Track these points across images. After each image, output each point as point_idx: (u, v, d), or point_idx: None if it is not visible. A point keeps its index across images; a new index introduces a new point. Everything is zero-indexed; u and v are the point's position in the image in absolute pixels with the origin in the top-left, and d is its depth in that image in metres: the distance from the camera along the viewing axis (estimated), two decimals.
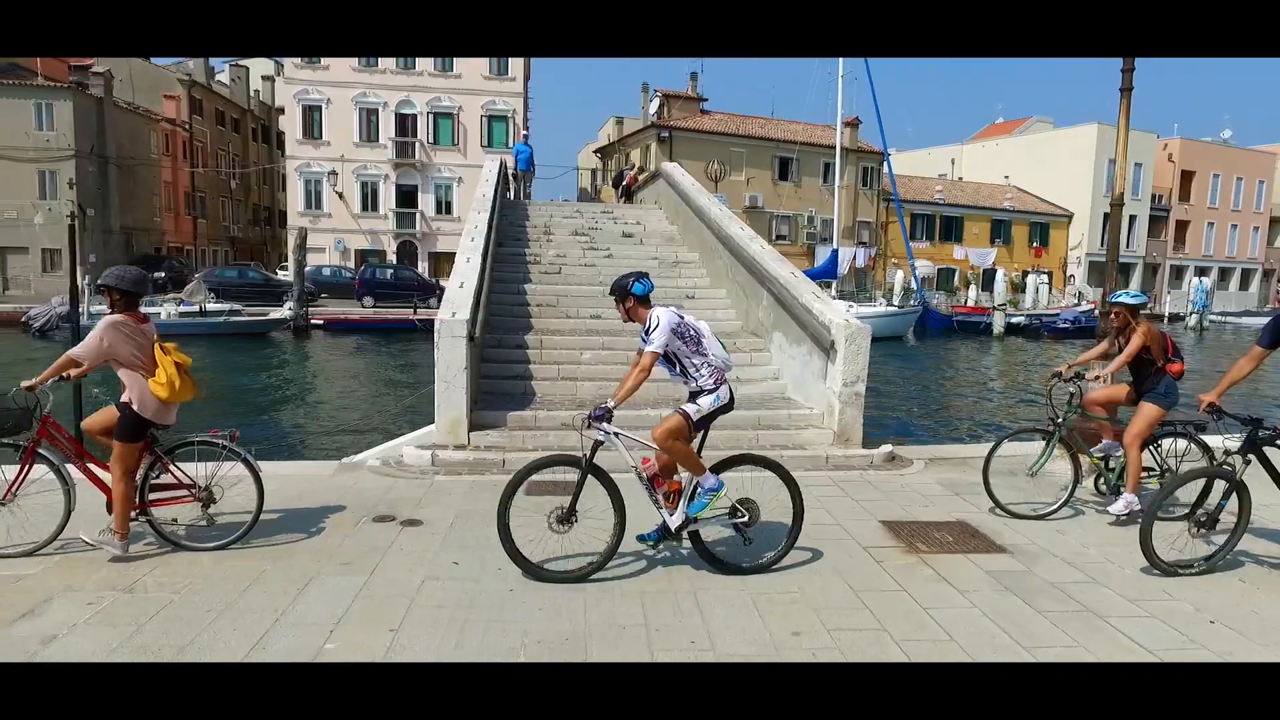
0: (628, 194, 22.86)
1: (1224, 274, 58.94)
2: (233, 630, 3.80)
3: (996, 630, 4.02)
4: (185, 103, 42.71)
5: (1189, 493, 5.10)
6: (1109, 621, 4.15)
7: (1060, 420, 5.99)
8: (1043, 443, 6.09)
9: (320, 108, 36.99)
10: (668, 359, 4.53)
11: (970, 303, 39.82)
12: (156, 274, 33.94)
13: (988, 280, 43.26)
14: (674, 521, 4.56)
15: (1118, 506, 5.69)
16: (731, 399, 4.61)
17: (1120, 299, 5.97)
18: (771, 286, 9.51)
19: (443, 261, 38.56)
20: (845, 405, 7.61)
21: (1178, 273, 57.14)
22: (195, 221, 44.58)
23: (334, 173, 36.97)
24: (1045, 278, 44.42)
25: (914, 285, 34.77)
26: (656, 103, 40.90)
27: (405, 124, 37.69)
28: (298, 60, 36.57)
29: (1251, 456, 4.69)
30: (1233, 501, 4.74)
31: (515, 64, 38.16)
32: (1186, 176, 56.07)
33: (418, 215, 38.25)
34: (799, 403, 8.44)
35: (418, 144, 37.70)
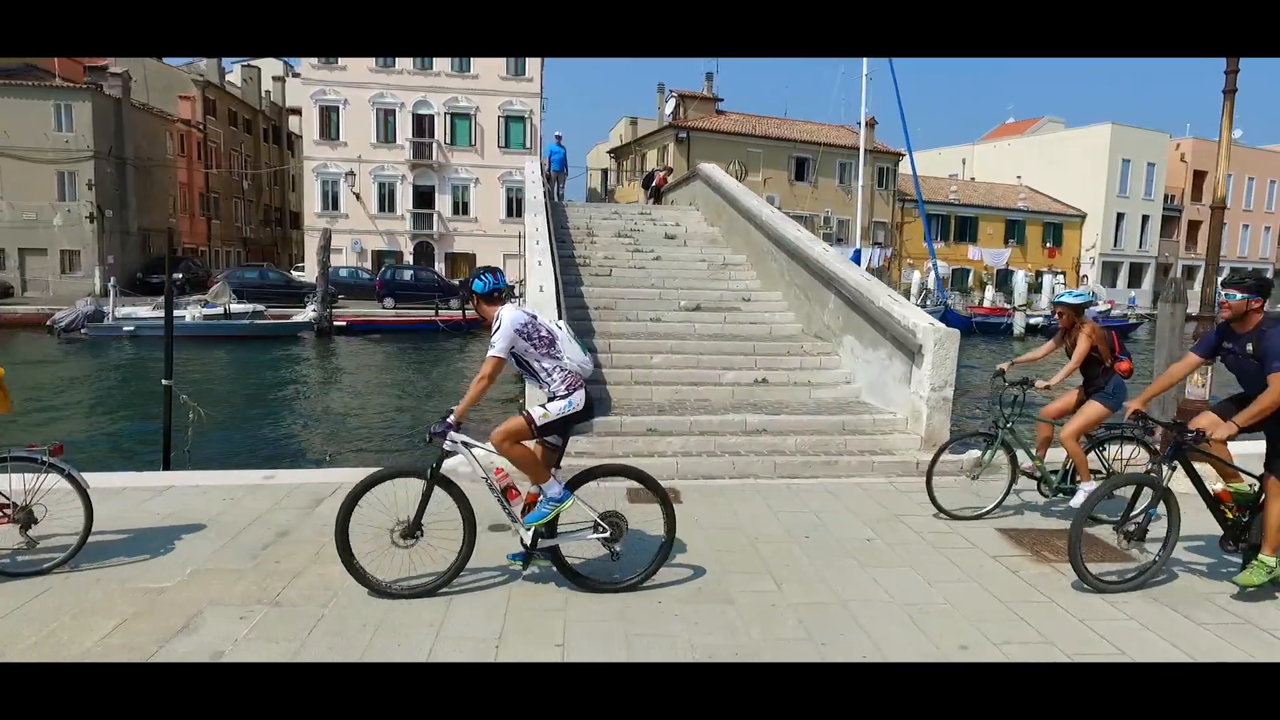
0: (657, 195, 22.80)
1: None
2: (397, 647, 3.72)
3: (1166, 645, 3.94)
4: (199, 103, 42.64)
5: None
6: (1276, 635, 4.07)
7: (1004, 424, 5.86)
8: (985, 446, 6.01)
9: (338, 108, 36.94)
10: (520, 362, 4.28)
11: (987, 303, 39.74)
12: (175, 275, 33.89)
13: (1001, 280, 43.20)
14: (524, 536, 4.31)
15: (1077, 499, 5.59)
16: (589, 406, 4.32)
17: (1064, 299, 5.83)
18: (842, 289, 9.43)
19: (459, 262, 38.56)
20: (933, 410, 7.53)
21: (1189, 273, 57.13)
22: (209, 222, 44.52)
23: (351, 173, 36.92)
24: (1060, 278, 44.37)
25: (935, 285, 34.64)
26: (673, 103, 40.85)
27: (422, 124, 37.62)
28: (314, 61, 36.52)
29: (1178, 463, 4.51)
30: (1163, 510, 4.54)
31: (532, 64, 38.09)
32: (1199, 176, 55.99)
33: (435, 216, 38.18)
34: (878, 407, 8.36)
35: (435, 145, 37.63)
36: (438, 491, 4.24)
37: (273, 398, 17.39)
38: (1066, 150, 53.20)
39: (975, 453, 7.58)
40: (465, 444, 4.25)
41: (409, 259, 37.30)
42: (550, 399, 4.23)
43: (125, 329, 23.70)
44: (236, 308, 25.73)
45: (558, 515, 4.29)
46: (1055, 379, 5.86)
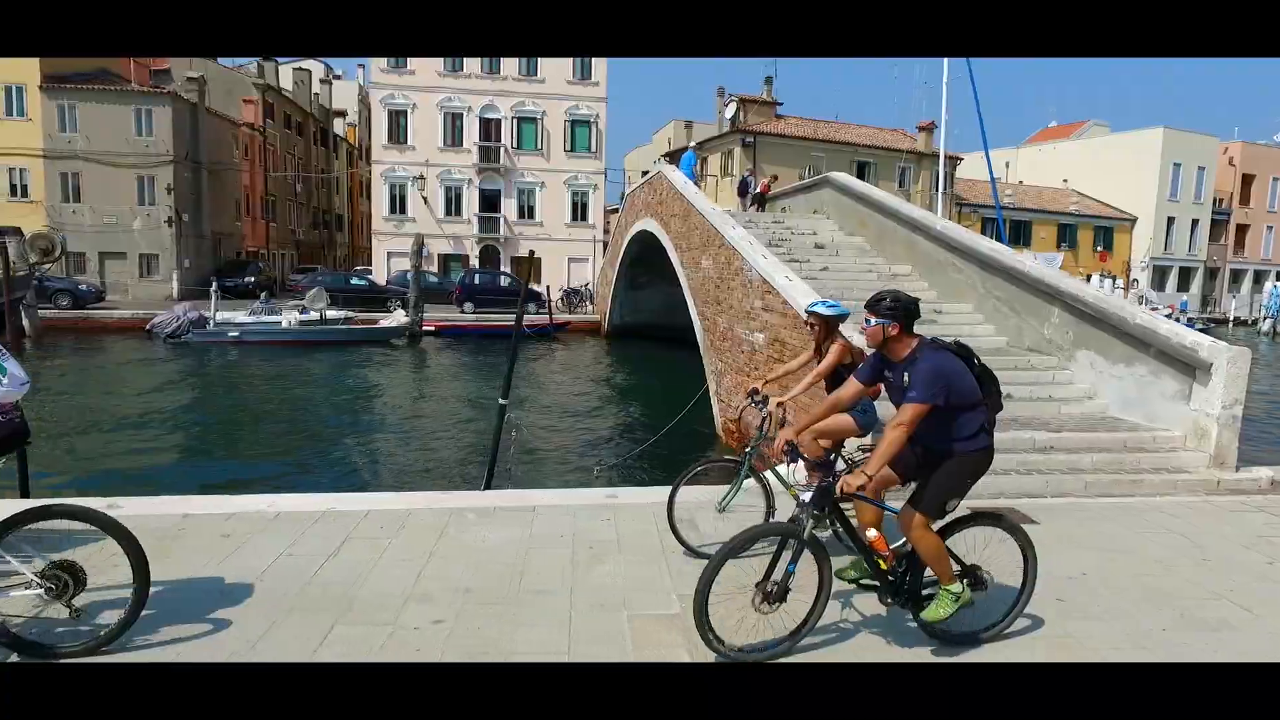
0: (760, 201, 22.89)
1: None
2: None
3: None
4: (260, 106, 42.96)
5: None
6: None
7: (750, 448, 5.24)
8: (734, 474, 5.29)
9: (406, 112, 37.17)
10: None
11: None
12: (246, 279, 34.15)
13: None
14: None
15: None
16: (11, 434, 3.61)
17: (816, 309, 5.33)
18: (1074, 304, 9.49)
19: (524, 266, 38.72)
20: (1223, 428, 7.58)
21: (1235, 276, 56.90)
22: (268, 225, 44.84)
23: (421, 177, 37.13)
24: (1118, 282, 44.37)
25: None
26: (733, 107, 40.93)
27: (489, 128, 37.81)
28: (384, 64, 36.78)
29: (827, 510, 3.77)
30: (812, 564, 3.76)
31: (598, 68, 38.24)
32: (1247, 180, 55.83)
33: (501, 220, 38.37)
34: (1142, 424, 8.40)
35: (501, 148, 37.81)
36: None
37: (436, 406, 17.33)
38: (1115, 154, 53.00)
39: (1265, 473, 7.66)
40: None
41: (475, 263, 37.50)
42: None
43: (230, 334, 23.92)
44: (331, 313, 25.95)
45: None
46: (796, 390, 5.27)
